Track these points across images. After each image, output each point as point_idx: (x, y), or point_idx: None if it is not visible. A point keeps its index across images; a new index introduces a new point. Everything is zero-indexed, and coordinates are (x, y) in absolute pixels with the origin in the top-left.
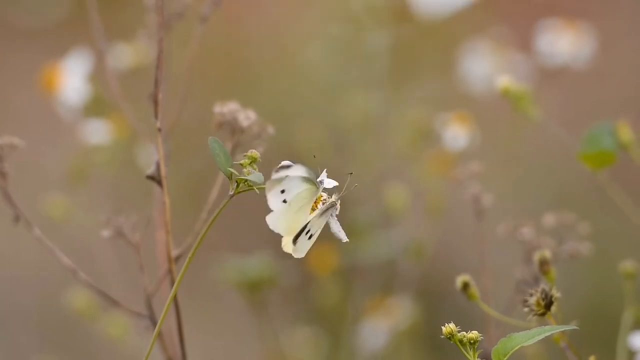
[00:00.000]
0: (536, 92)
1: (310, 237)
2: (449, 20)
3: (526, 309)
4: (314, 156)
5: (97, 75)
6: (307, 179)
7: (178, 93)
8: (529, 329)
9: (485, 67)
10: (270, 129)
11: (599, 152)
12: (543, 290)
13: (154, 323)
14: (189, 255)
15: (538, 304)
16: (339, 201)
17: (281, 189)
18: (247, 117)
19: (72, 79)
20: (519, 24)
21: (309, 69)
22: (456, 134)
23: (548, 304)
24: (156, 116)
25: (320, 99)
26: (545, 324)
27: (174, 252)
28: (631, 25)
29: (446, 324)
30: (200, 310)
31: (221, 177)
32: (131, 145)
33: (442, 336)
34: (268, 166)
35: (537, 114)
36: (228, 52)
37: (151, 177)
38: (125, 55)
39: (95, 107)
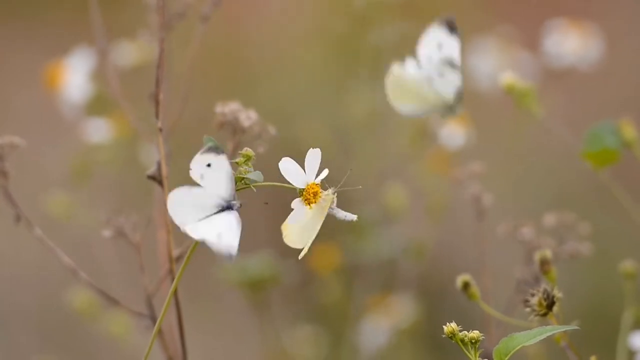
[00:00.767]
0: (540, 91)
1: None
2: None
3: (528, 309)
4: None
5: (99, 74)
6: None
7: (179, 93)
8: (530, 329)
9: (491, 64)
10: (271, 129)
11: (602, 150)
12: (545, 291)
13: (155, 323)
14: (186, 255)
15: (540, 304)
16: (336, 195)
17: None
18: (248, 117)
19: (74, 77)
20: (520, 23)
21: (309, 68)
22: (453, 132)
23: (550, 304)
24: (157, 116)
25: (320, 98)
26: (546, 324)
27: (175, 252)
28: (632, 25)
29: (447, 324)
30: (201, 309)
31: None
32: (133, 144)
33: (444, 335)
34: (269, 166)
35: (540, 111)
36: (229, 51)
37: (152, 177)
38: (127, 53)
39: (97, 105)
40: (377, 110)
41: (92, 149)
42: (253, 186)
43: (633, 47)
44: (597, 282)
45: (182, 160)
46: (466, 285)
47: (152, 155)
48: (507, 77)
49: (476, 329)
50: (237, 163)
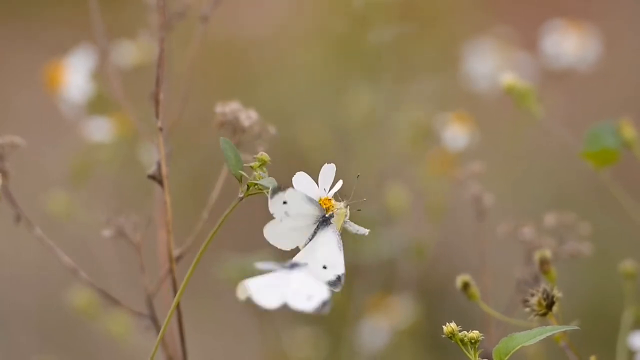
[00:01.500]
0: (539, 91)
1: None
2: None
3: (528, 309)
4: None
5: (100, 74)
6: (310, 201)
7: (179, 92)
8: (530, 329)
9: (489, 65)
10: (272, 129)
11: (602, 151)
12: (544, 291)
13: (155, 323)
14: (191, 256)
15: (539, 304)
16: (348, 208)
17: (284, 200)
18: (248, 116)
19: (75, 76)
20: (519, 23)
21: (310, 68)
22: (456, 133)
23: (550, 304)
24: (157, 115)
25: (320, 98)
26: (546, 324)
27: (175, 252)
28: (632, 25)
29: (447, 324)
30: (201, 309)
31: (222, 177)
32: (133, 143)
33: (443, 335)
34: (269, 166)
35: (540, 112)
36: (229, 51)
37: (152, 177)
38: (128, 53)
39: (98, 105)
40: (377, 110)
41: (93, 149)
42: (266, 192)
43: (633, 47)
44: (597, 282)
45: (182, 160)
46: (466, 285)
47: (152, 155)
48: (507, 78)
49: (476, 329)
50: (251, 167)
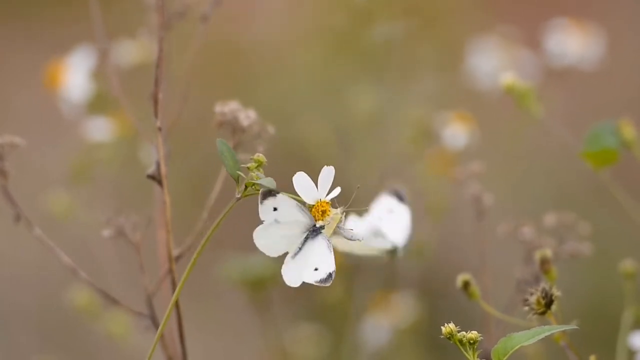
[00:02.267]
0: (540, 91)
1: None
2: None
3: (526, 308)
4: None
5: (100, 73)
6: (301, 209)
7: (178, 92)
8: (530, 329)
9: (491, 64)
10: (271, 129)
11: (602, 151)
12: (543, 289)
13: (155, 323)
14: (192, 258)
15: (538, 302)
16: (344, 214)
17: (274, 206)
18: (247, 116)
19: (75, 76)
20: (520, 23)
21: (310, 67)
22: (456, 132)
23: (548, 303)
24: (156, 115)
25: (320, 98)
26: (546, 324)
27: (175, 252)
28: (632, 25)
29: (446, 324)
30: (201, 308)
31: (222, 177)
32: (133, 143)
33: (442, 336)
34: (269, 166)
35: (540, 112)
36: (229, 51)
37: (151, 177)
38: (128, 53)
39: (98, 104)
40: (378, 110)
41: (93, 148)
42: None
43: (633, 47)
44: (597, 282)
45: (182, 160)
46: (466, 285)
47: (152, 155)
48: (507, 77)
49: (476, 329)
50: (248, 168)
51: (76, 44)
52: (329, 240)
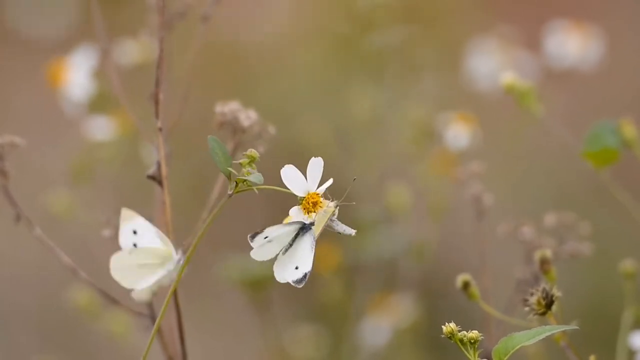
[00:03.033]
0: (540, 91)
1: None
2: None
3: (527, 309)
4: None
5: (101, 73)
6: (290, 224)
7: (179, 92)
8: (530, 329)
9: (491, 64)
10: (271, 129)
11: (602, 150)
12: (544, 290)
13: (155, 322)
14: (187, 253)
15: (539, 303)
16: (338, 208)
17: (265, 236)
18: (248, 116)
19: (77, 75)
20: (520, 23)
21: (310, 67)
22: (458, 133)
23: (549, 304)
24: (157, 116)
25: (320, 98)
26: (546, 324)
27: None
28: (632, 25)
29: (446, 324)
30: (201, 308)
31: (222, 177)
32: (134, 143)
33: (443, 335)
34: (269, 166)
35: (540, 112)
36: (229, 51)
37: (152, 177)
38: (130, 52)
39: (99, 103)
40: (378, 110)
41: (93, 148)
42: (256, 189)
43: (633, 47)
44: (597, 282)
45: (182, 160)
46: (466, 285)
47: (152, 155)
48: (507, 77)
49: (476, 329)
50: (240, 164)
51: (77, 44)
52: (314, 239)
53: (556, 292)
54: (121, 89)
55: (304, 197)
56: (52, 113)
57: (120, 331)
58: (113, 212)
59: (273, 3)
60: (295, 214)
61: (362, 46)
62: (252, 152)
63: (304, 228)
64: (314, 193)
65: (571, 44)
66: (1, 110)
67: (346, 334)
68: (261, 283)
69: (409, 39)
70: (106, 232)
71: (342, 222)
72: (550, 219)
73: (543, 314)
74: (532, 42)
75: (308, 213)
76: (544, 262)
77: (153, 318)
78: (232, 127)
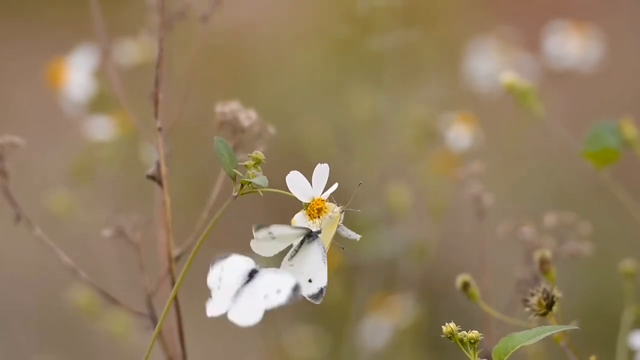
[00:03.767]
0: (540, 91)
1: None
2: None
3: (527, 309)
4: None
5: (101, 73)
6: (296, 227)
7: (179, 92)
8: (530, 329)
9: (491, 65)
10: (271, 129)
11: (603, 150)
12: (544, 290)
13: (155, 322)
14: (190, 256)
15: (539, 303)
16: (343, 214)
17: (269, 231)
18: (248, 116)
19: (76, 75)
20: (520, 23)
21: (310, 67)
22: (459, 133)
23: (549, 304)
24: (156, 115)
25: (320, 98)
26: (546, 324)
27: (175, 252)
28: (632, 25)
29: (447, 324)
30: (200, 309)
31: (222, 177)
32: (133, 143)
33: (443, 335)
34: (269, 166)
35: (540, 112)
36: (229, 51)
37: (152, 177)
38: (129, 52)
39: (99, 103)
40: (378, 110)
41: (93, 148)
42: (261, 191)
43: (633, 47)
44: (597, 282)
45: (182, 160)
46: (466, 285)
47: (152, 155)
48: (508, 77)
49: (476, 329)
50: (246, 166)
51: (77, 44)
52: (324, 251)
53: (557, 293)
54: (121, 89)
55: (309, 203)
56: (52, 113)
57: (120, 331)
58: (113, 212)
59: (273, 3)
60: (300, 219)
61: (362, 46)
62: (257, 154)
63: (310, 236)
64: (319, 199)
65: (571, 45)
66: (1, 110)
67: (346, 334)
68: None
69: (409, 40)
70: (106, 232)
71: (342, 224)
72: (550, 219)
73: (544, 314)
74: (532, 42)
75: (312, 219)
76: (543, 262)
77: (153, 318)
78: (232, 127)
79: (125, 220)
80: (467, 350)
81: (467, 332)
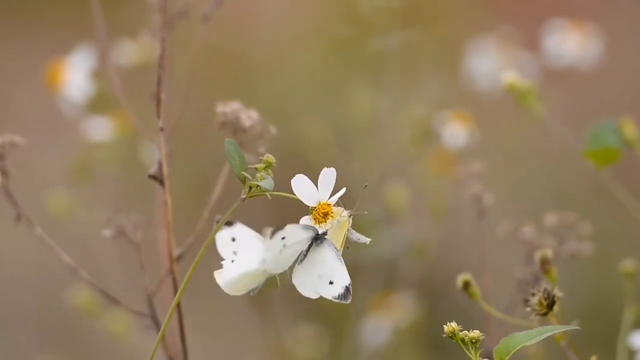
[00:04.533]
0: (540, 91)
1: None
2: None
3: (528, 309)
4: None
5: (100, 73)
6: (306, 228)
7: (180, 92)
8: (531, 329)
9: (491, 64)
10: (273, 129)
11: (603, 150)
12: (545, 290)
13: (155, 322)
14: (190, 256)
15: (540, 303)
16: (351, 218)
17: (282, 236)
18: (249, 116)
19: (75, 75)
20: (520, 23)
21: (310, 67)
22: (455, 132)
23: (550, 304)
24: (158, 115)
25: (321, 98)
26: (547, 324)
27: (176, 252)
28: (632, 25)
29: (448, 323)
30: (201, 308)
31: (223, 177)
32: (134, 143)
33: (444, 335)
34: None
35: (541, 111)
36: (230, 51)
37: (153, 177)
38: (129, 52)
39: (98, 104)
40: (378, 110)
41: (93, 148)
42: (269, 194)
43: (633, 47)
44: (597, 282)
45: (183, 160)
46: (466, 285)
47: (153, 155)
48: (508, 76)
49: (477, 329)
50: (256, 169)
51: (77, 44)
52: (336, 249)
53: (558, 293)
54: (121, 89)
55: (315, 207)
56: (51, 113)
57: (120, 331)
58: (114, 212)
59: (273, 3)
60: (306, 224)
61: (362, 46)
62: (268, 157)
63: (317, 238)
64: (325, 203)
65: (571, 44)
66: (1, 110)
67: (346, 334)
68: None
69: (409, 39)
70: (107, 232)
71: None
72: (550, 219)
73: (545, 314)
74: (532, 42)
75: (319, 224)
76: (544, 262)
77: (153, 318)
78: (233, 127)
79: (126, 220)
80: (468, 350)
81: (468, 332)
